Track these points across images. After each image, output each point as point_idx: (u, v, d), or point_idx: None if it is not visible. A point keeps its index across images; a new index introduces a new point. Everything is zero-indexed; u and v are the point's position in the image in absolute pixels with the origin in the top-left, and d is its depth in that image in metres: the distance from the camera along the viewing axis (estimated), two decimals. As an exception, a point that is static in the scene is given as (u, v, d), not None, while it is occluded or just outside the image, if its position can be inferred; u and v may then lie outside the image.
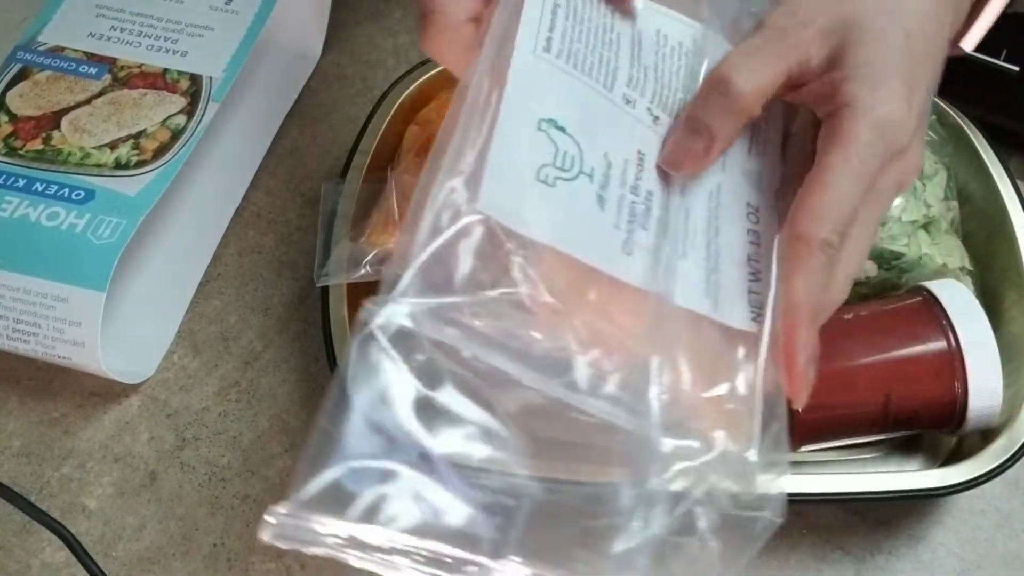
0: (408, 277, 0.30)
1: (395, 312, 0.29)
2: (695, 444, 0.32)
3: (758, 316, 0.34)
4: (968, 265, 0.47)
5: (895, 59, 0.35)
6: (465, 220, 0.30)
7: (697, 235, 0.35)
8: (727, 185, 0.36)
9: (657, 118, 0.36)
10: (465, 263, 0.30)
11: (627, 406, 0.31)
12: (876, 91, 0.34)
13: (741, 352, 0.34)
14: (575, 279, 0.32)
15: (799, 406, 0.34)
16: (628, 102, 0.35)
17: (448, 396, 0.30)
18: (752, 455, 0.32)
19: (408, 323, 0.29)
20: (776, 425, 0.33)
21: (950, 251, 0.46)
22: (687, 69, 0.37)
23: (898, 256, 0.45)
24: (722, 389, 0.33)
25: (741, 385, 0.33)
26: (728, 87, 0.35)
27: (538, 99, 0.33)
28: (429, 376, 0.29)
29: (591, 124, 0.34)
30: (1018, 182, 0.48)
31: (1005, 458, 0.41)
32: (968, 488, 0.41)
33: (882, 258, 0.45)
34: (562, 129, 0.33)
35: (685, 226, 0.35)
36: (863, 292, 0.46)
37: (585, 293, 0.32)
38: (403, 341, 0.29)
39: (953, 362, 0.41)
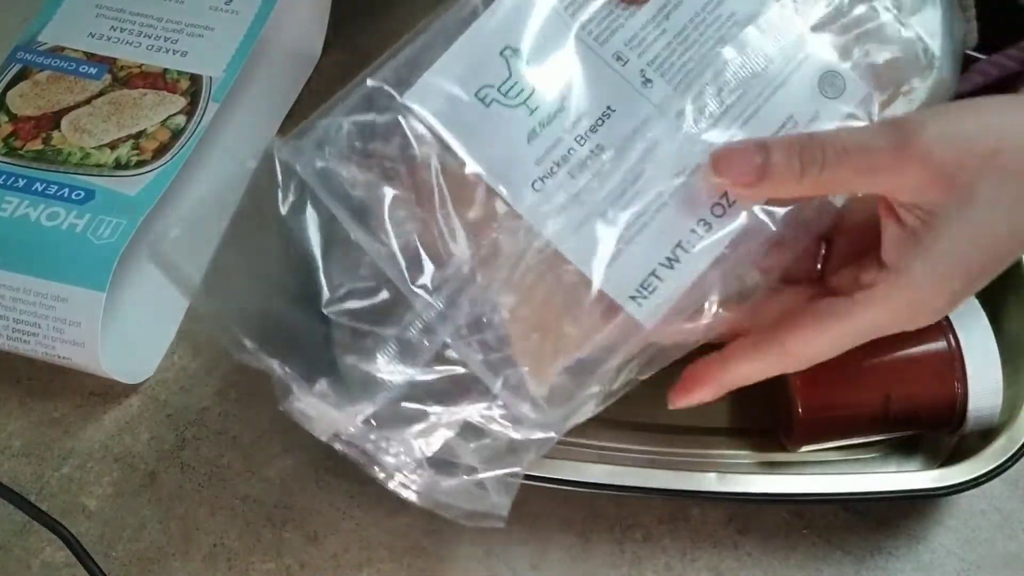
0: (317, 128, 0.36)
1: (294, 154, 0.35)
2: (490, 357, 0.35)
3: (640, 297, 0.35)
4: None
5: (979, 256, 0.33)
6: (385, 103, 0.36)
7: (637, 202, 0.36)
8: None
9: (649, 81, 0.36)
10: (368, 138, 0.36)
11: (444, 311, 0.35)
12: (935, 280, 0.33)
13: (594, 315, 0.35)
14: (465, 186, 0.35)
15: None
16: (618, 59, 0.36)
17: (307, 228, 0.36)
18: (526, 407, 0.35)
19: (297, 166, 0.35)
20: (585, 396, 0.36)
21: None
22: (723, 43, 0.37)
23: None
24: (551, 334, 0.35)
25: (574, 343, 0.35)
26: (810, 166, 0.33)
27: (516, 26, 0.36)
28: (295, 212, 0.35)
29: (559, 67, 0.36)
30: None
31: (1005, 458, 0.41)
32: (968, 488, 0.41)
33: None
34: (525, 62, 0.36)
35: (627, 190, 0.36)
36: None
37: (469, 198, 0.35)
38: (289, 176, 0.35)
39: (953, 362, 0.41)
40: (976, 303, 0.42)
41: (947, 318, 0.41)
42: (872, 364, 0.41)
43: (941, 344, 0.41)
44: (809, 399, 0.41)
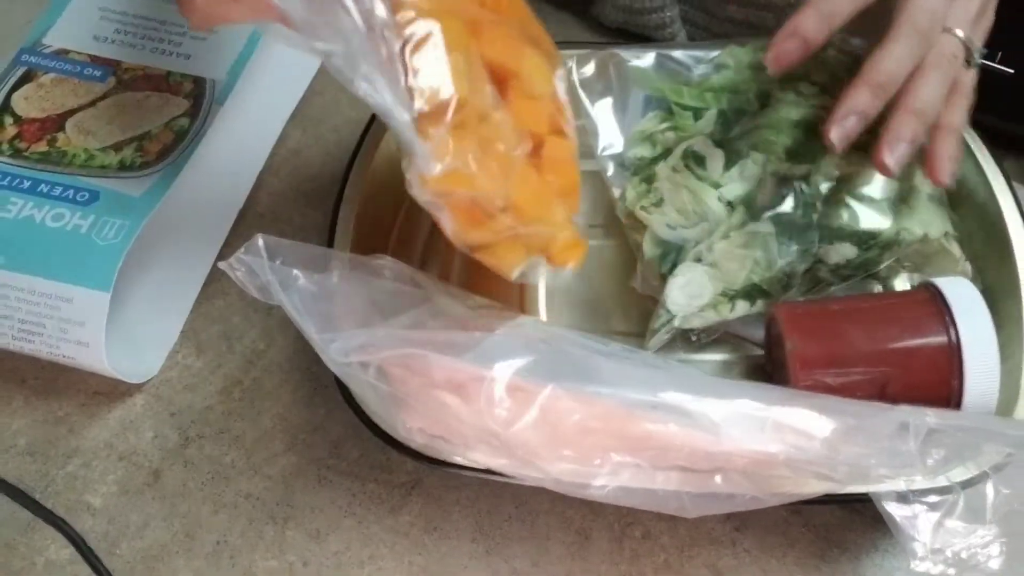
0: None
1: None
2: None
3: None
4: (952, 230, 0.47)
5: None
6: None
7: None
8: None
9: None
10: None
11: None
12: None
13: None
14: None
15: None
16: None
17: None
18: None
19: None
20: None
21: (930, 220, 0.46)
22: None
23: (874, 235, 0.45)
24: None
25: None
26: None
27: None
28: None
29: None
30: (1014, 183, 0.49)
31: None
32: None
33: (859, 239, 0.46)
34: None
35: None
36: (845, 274, 0.46)
37: None
38: None
39: (952, 358, 0.41)
40: (981, 301, 0.42)
41: (950, 314, 0.41)
42: (871, 353, 0.42)
43: (941, 339, 0.41)
44: (806, 382, 0.42)
